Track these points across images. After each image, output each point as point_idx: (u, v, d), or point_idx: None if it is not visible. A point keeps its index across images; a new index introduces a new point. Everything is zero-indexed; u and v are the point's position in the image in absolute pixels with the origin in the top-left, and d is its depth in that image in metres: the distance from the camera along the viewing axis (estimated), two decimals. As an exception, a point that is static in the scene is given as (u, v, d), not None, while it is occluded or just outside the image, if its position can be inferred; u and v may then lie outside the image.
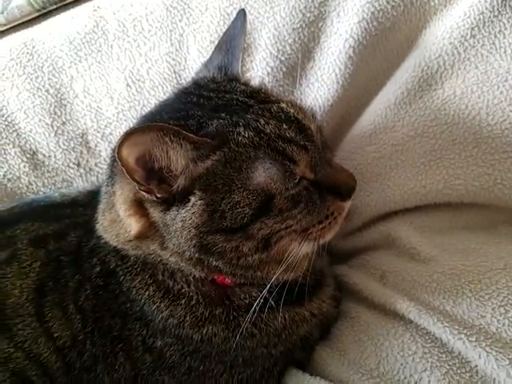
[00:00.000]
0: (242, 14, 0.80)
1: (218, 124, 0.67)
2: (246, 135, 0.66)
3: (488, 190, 0.89)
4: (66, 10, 1.05)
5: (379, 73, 1.01)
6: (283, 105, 0.71)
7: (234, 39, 0.80)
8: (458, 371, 0.72)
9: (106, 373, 0.77)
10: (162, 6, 1.00)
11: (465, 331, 0.75)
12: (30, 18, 1.04)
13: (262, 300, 0.73)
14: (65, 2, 1.03)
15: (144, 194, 0.67)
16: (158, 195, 0.67)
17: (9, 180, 1.06)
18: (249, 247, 0.68)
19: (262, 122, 0.68)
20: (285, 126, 0.68)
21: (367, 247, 0.99)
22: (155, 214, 0.69)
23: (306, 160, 0.69)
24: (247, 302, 0.76)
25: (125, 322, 0.77)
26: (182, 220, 0.67)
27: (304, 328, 0.82)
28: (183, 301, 0.76)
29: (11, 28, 1.03)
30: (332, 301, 0.90)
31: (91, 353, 0.76)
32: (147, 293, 0.77)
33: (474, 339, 0.73)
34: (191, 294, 0.76)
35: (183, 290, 0.76)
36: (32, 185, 1.08)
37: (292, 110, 0.71)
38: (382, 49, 0.98)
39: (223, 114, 0.68)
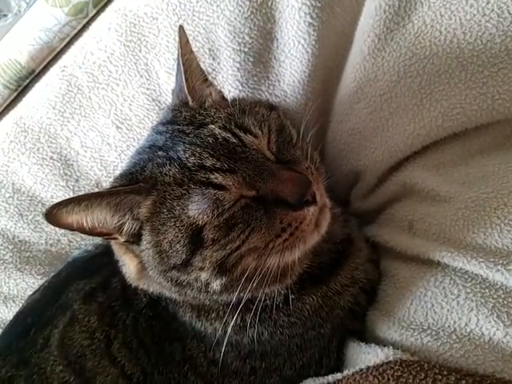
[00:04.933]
0: (179, 30, 0.79)
1: (152, 166, 0.70)
2: (171, 173, 0.68)
3: (488, 110, 0.84)
4: (38, 80, 1.10)
5: (345, 26, 0.97)
6: (212, 126, 0.70)
7: (177, 59, 0.80)
8: (505, 302, 0.71)
9: None
10: (118, 44, 1.02)
11: (501, 261, 0.73)
12: (11, 99, 1.11)
13: (280, 296, 0.77)
14: (35, 74, 1.08)
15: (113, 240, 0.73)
16: (122, 240, 0.72)
17: (51, 245, 1.16)
18: (206, 276, 0.69)
19: (188, 154, 0.68)
20: (205, 155, 0.67)
21: (390, 200, 0.99)
22: (137, 252, 0.74)
23: (237, 181, 0.67)
24: (269, 302, 0.77)
25: (183, 344, 0.84)
26: (147, 260, 0.72)
27: (343, 299, 0.84)
28: (213, 314, 0.80)
29: (-1, 114, 1.11)
30: (369, 264, 0.91)
31: (161, 382, 0.82)
32: (188, 314, 0.82)
33: (511, 267, 0.72)
34: (216, 307, 0.79)
35: (209, 305, 0.80)
36: (72, 242, 1.17)
37: (218, 132, 0.69)
38: (338, 3, 0.94)
39: (160, 152, 0.71)
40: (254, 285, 0.69)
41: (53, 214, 0.65)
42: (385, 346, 0.77)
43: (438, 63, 0.86)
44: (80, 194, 1.13)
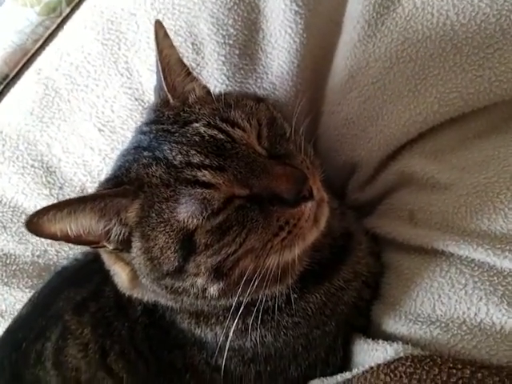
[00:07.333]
0: (156, 24, 0.75)
1: (138, 167, 0.67)
2: (157, 174, 0.65)
3: (486, 92, 0.82)
4: (13, 85, 1.05)
5: (332, 13, 0.94)
6: (197, 124, 0.67)
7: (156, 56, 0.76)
8: (515, 289, 0.70)
9: None
10: (96, 43, 0.97)
11: (508, 247, 0.72)
12: (-14, 106, 1.06)
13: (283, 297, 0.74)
14: (8, 79, 1.03)
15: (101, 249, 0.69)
16: (111, 247, 0.69)
17: (38, 256, 1.11)
18: (202, 282, 0.66)
19: (174, 152, 0.65)
20: (193, 152, 0.64)
21: (388, 191, 0.96)
22: (128, 259, 0.70)
23: (228, 179, 0.63)
24: (270, 303, 0.75)
25: (184, 351, 0.81)
26: (138, 268, 0.69)
27: (347, 295, 0.82)
28: (213, 319, 0.77)
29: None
30: (370, 257, 0.89)
31: None
32: (187, 320, 0.79)
33: (519, 252, 0.70)
34: (215, 312, 0.77)
35: (208, 311, 0.77)
36: (60, 252, 1.12)
37: (204, 130, 0.66)
38: (325, -11, 0.91)
39: (146, 153, 0.68)
40: (254, 287, 0.66)
41: (34, 223, 0.61)
42: (393, 341, 0.75)
43: (432, 47, 0.83)
44: (63, 201, 1.09)
